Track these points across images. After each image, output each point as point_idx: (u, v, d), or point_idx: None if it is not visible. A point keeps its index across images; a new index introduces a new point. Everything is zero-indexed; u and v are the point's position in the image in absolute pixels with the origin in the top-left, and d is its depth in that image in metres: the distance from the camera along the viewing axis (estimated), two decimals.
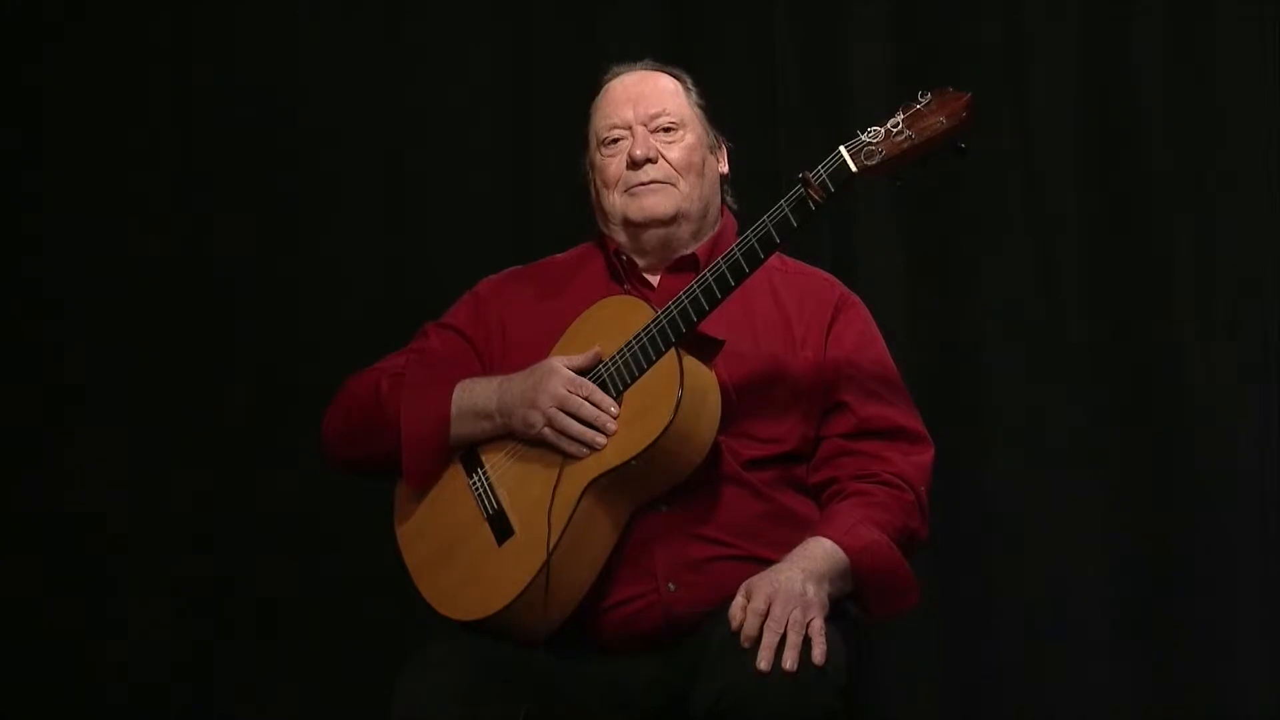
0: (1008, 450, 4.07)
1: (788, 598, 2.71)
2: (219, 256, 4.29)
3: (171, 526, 4.25)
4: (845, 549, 2.83)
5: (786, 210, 2.82)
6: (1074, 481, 4.05)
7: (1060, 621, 4.03)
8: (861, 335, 3.06)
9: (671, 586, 2.86)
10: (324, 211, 4.30)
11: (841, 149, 2.81)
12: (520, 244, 4.13)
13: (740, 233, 3.00)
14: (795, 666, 2.66)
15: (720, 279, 2.85)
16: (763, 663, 2.66)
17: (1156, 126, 4.03)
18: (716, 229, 3.11)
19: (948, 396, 4.06)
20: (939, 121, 2.78)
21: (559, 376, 2.89)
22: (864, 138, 2.80)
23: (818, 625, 2.71)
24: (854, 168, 2.80)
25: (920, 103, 2.81)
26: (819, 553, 2.83)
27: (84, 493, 4.26)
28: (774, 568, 2.80)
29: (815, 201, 2.80)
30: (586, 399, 2.87)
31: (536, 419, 2.88)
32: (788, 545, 2.87)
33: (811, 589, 2.75)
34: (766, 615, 2.69)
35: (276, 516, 4.24)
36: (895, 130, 2.79)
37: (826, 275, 3.15)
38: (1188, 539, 4.00)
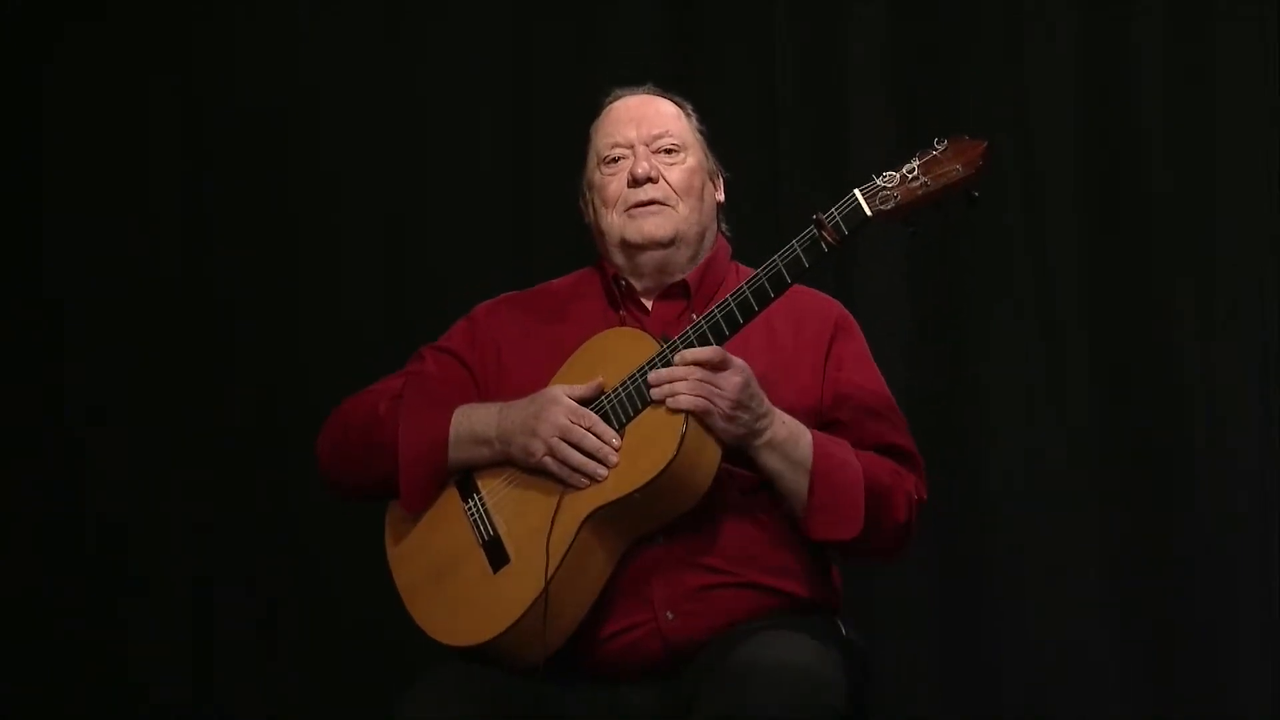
0: (1007, 451, 4.07)
1: (740, 398, 2.78)
2: (220, 256, 4.28)
3: (172, 527, 4.24)
4: (815, 444, 2.84)
5: (798, 250, 2.81)
6: (1073, 483, 4.05)
7: (1059, 623, 4.03)
8: (860, 357, 3.04)
9: (670, 615, 2.84)
10: (324, 212, 4.29)
11: (856, 192, 2.80)
12: (520, 239, 4.22)
13: (734, 259, 3.04)
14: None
15: (729, 316, 2.83)
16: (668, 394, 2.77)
17: (1156, 126, 4.04)
18: (709, 255, 3.08)
19: (948, 396, 4.08)
20: (954, 169, 2.77)
21: (561, 406, 2.85)
22: (879, 182, 2.79)
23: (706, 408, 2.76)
24: (869, 211, 2.79)
25: (936, 149, 2.79)
26: (797, 430, 2.84)
27: (85, 493, 4.26)
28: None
29: (828, 243, 2.79)
30: (589, 430, 2.83)
31: (537, 447, 2.84)
32: (787, 570, 2.88)
33: (762, 431, 2.80)
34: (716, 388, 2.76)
35: (276, 516, 4.22)
36: (911, 175, 2.78)
37: (822, 294, 3.10)
38: (1188, 541, 4.00)
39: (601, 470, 2.82)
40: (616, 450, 2.83)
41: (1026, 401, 4.07)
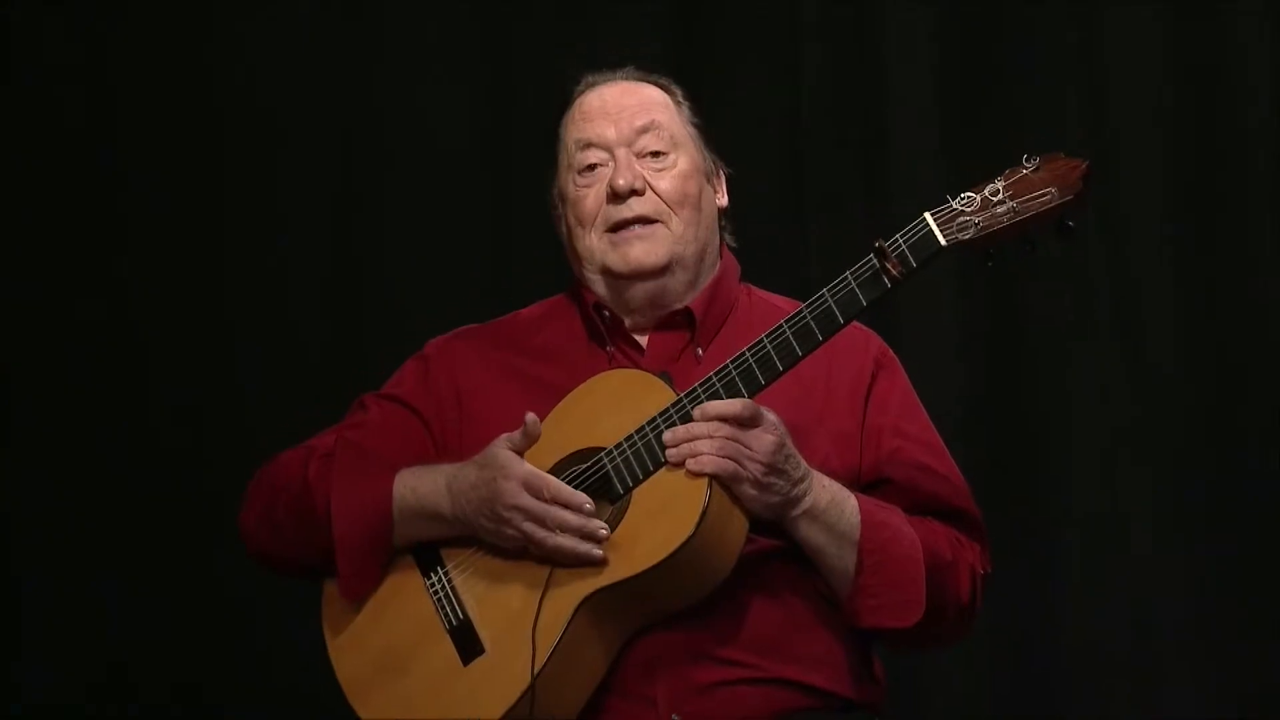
0: (1083, 516, 3.87)
1: (774, 460, 2.44)
2: (226, 258, 4.16)
3: (167, 526, 4.09)
4: (862, 511, 2.53)
5: (854, 284, 2.48)
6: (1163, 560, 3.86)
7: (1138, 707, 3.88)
8: (907, 400, 2.71)
9: (676, 718, 2.51)
10: (319, 212, 4.16)
11: (927, 216, 2.48)
12: (503, 242, 4.06)
13: (743, 279, 2.75)
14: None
15: (764, 362, 2.50)
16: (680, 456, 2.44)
17: (1258, 123, 3.86)
18: (715, 275, 2.72)
19: (1006, 404, 3.91)
20: (1048, 193, 2.45)
21: (514, 479, 2.47)
22: (956, 205, 2.48)
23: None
24: (942, 240, 2.47)
25: (1026, 168, 2.48)
26: (840, 496, 2.52)
27: (84, 490, 4.12)
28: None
29: (891, 277, 2.46)
30: (553, 501, 2.45)
31: (509, 534, 2.49)
32: (817, 661, 2.54)
33: (800, 499, 2.46)
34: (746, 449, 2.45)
35: None
36: (995, 199, 2.46)
37: (857, 323, 2.66)
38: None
39: (596, 552, 2.46)
40: (593, 513, 2.47)
41: (1107, 445, 3.86)
